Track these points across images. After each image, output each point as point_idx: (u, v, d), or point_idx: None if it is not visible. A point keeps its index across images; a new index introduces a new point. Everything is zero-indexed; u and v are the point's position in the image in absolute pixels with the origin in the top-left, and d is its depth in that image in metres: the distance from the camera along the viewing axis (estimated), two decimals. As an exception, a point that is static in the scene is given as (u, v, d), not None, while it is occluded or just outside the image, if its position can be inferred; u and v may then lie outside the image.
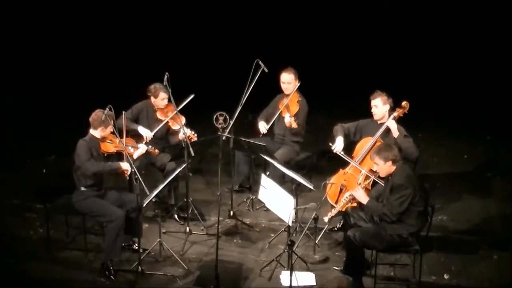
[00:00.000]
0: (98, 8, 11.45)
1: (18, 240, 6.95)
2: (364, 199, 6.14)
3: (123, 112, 6.68)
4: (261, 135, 7.64)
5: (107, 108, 6.29)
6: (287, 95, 7.57)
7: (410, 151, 6.68)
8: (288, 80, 7.52)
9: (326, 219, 6.40)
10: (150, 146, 6.94)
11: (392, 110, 6.87)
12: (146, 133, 7.26)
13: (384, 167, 6.01)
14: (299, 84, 7.55)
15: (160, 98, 7.33)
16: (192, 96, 7.32)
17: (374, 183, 6.52)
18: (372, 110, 6.89)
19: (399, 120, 6.87)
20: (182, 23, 11.87)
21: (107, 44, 11.55)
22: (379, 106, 6.83)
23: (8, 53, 10.80)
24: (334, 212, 6.36)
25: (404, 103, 6.89)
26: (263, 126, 7.62)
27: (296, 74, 7.53)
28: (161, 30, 11.79)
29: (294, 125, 7.39)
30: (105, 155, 6.50)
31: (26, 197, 7.63)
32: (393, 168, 6.01)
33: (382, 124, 6.84)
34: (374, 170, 6.26)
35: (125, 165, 6.40)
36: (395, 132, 6.74)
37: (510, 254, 6.71)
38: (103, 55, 11.43)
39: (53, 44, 11.28)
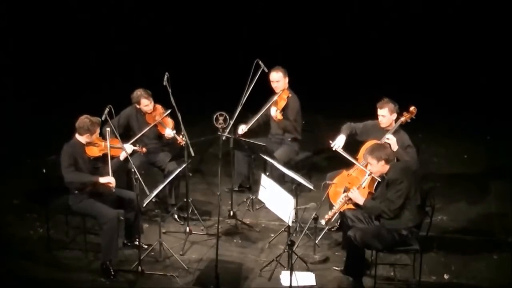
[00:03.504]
0: (98, 7, 11.46)
1: (18, 240, 6.95)
2: (360, 199, 6.14)
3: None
4: (237, 135, 7.55)
5: (107, 109, 6.28)
6: (278, 93, 7.58)
7: (409, 164, 6.63)
8: (277, 79, 7.51)
9: (323, 221, 6.39)
10: (137, 145, 6.93)
11: (399, 115, 6.85)
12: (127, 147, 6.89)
13: (377, 167, 6.01)
14: (287, 85, 7.52)
15: (144, 105, 7.30)
16: (169, 111, 7.21)
17: (378, 185, 6.48)
18: (379, 119, 6.85)
19: (405, 126, 6.87)
20: (182, 22, 11.88)
21: (108, 44, 11.55)
22: (387, 116, 6.80)
23: (8, 53, 10.80)
24: (330, 214, 6.34)
25: (412, 108, 6.87)
26: (241, 128, 7.56)
27: (284, 72, 7.52)
28: (162, 30, 11.80)
29: (279, 117, 7.42)
30: (91, 158, 6.49)
31: (26, 197, 7.64)
32: (387, 167, 6.01)
33: (388, 130, 6.82)
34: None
35: (104, 179, 6.34)
36: (394, 146, 6.70)
37: (510, 254, 6.71)
38: (104, 55, 11.43)
39: (53, 43, 11.28)
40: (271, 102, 7.55)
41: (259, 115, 7.55)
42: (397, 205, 5.91)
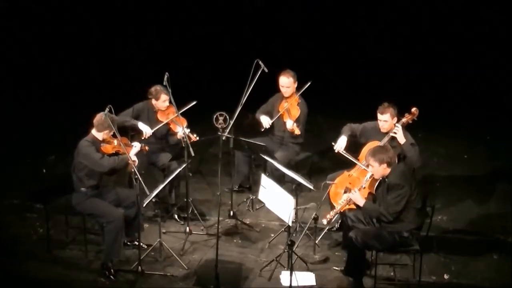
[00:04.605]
0: (98, 7, 11.46)
1: (18, 240, 6.95)
2: (360, 201, 6.13)
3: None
4: (263, 129, 7.62)
5: (107, 109, 6.28)
6: (287, 98, 7.56)
7: (414, 160, 6.69)
8: (287, 84, 7.51)
9: (324, 221, 6.39)
10: (142, 144, 6.95)
11: (400, 116, 6.84)
12: (146, 129, 7.26)
13: (379, 169, 6.00)
14: (306, 84, 7.51)
15: (162, 100, 7.31)
16: (194, 103, 7.29)
17: (379, 186, 6.48)
18: (381, 125, 6.83)
19: (407, 127, 6.87)
20: (182, 22, 11.88)
21: (107, 44, 11.56)
22: (389, 121, 6.78)
23: (8, 52, 10.80)
24: (332, 214, 6.34)
25: (413, 109, 6.86)
26: (266, 121, 7.59)
27: (294, 77, 7.51)
28: (162, 29, 11.80)
29: (297, 132, 7.37)
30: (103, 156, 6.50)
31: (26, 197, 7.64)
32: (388, 170, 6.00)
33: (387, 133, 6.82)
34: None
35: (133, 156, 6.44)
36: (401, 139, 6.71)
37: (510, 254, 6.71)
38: (103, 55, 11.44)
39: (53, 43, 11.28)
40: (284, 110, 7.51)
41: (278, 116, 7.54)
42: (397, 209, 5.91)
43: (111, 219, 6.28)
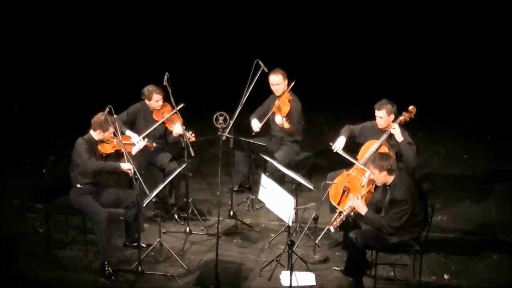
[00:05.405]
0: (98, 7, 11.46)
1: (18, 240, 6.95)
2: (363, 209, 6.11)
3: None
4: (253, 133, 7.63)
5: (107, 108, 6.29)
6: (279, 97, 7.57)
7: (410, 159, 6.72)
8: (277, 82, 7.51)
9: (332, 228, 6.38)
10: (148, 140, 6.92)
11: (398, 114, 6.85)
12: (134, 137, 7.18)
13: (380, 176, 5.98)
14: (292, 84, 7.51)
15: (154, 100, 7.30)
16: (181, 105, 7.18)
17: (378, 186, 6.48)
18: (377, 121, 6.86)
19: (405, 125, 6.88)
20: (182, 22, 11.88)
21: (108, 44, 11.55)
22: (384, 117, 6.81)
23: (8, 52, 10.80)
24: (338, 220, 6.32)
25: (411, 107, 6.88)
26: (256, 125, 7.62)
27: (284, 74, 7.52)
28: (162, 29, 11.80)
29: (286, 126, 7.40)
30: (103, 155, 6.51)
31: (26, 197, 7.64)
32: (389, 177, 5.96)
33: (385, 130, 6.83)
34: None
35: (125, 165, 6.41)
36: (399, 137, 6.73)
37: (510, 254, 6.71)
38: (104, 55, 11.43)
39: (53, 43, 11.28)
40: (275, 107, 7.53)
41: (269, 115, 7.55)
42: (398, 224, 5.89)
43: (96, 220, 6.32)
